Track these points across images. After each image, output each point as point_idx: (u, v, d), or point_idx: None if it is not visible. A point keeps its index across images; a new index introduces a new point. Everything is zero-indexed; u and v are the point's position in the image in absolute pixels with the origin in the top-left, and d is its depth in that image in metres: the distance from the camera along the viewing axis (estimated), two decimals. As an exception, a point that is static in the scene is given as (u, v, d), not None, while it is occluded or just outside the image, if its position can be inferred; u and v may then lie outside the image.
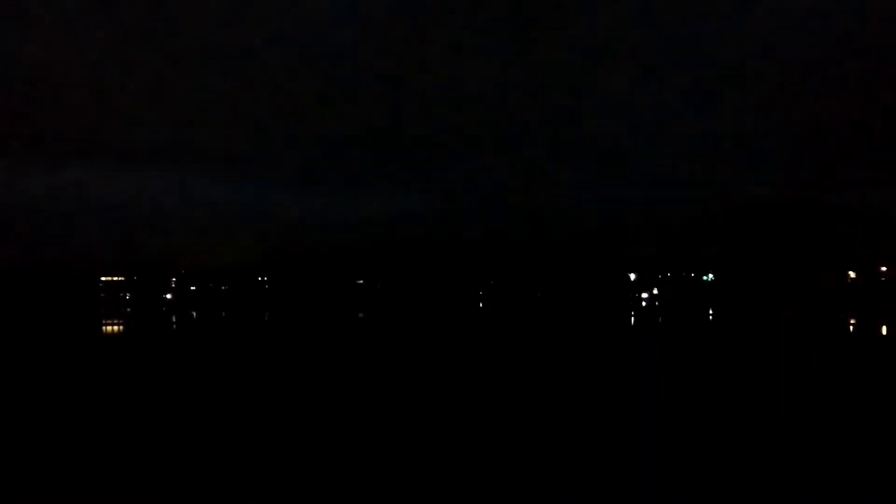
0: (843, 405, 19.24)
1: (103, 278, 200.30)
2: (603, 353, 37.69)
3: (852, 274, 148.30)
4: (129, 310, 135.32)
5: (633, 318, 79.60)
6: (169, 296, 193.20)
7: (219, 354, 40.15)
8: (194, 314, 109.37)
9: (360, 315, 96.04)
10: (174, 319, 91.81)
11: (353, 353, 40.23)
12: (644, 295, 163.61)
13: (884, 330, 50.15)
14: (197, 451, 14.42)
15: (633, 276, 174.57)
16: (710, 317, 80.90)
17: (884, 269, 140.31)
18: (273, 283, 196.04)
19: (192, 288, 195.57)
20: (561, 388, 23.50)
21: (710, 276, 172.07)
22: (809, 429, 15.67)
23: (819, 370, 27.48)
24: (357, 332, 62.27)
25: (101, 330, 68.55)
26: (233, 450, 14.33)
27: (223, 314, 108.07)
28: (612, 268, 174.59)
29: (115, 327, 73.57)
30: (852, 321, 61.81)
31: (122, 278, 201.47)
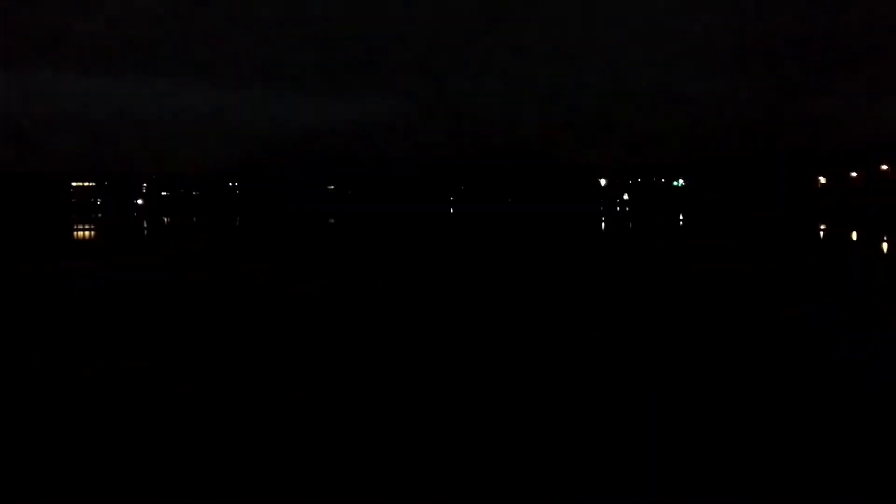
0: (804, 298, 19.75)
1: (74, 184, 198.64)
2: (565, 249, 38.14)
3: (822, 179, 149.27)
4: (100, 215, 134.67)
5: (602, 223, 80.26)
6: (140, 201, 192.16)
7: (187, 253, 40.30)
8: (165, 219, 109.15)
9: (331, 220, 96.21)
10: (145, 224, 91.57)
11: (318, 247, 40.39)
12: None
13: (853, 235, 50.95)
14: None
15: (603, 182, 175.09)
16: (681, 221, 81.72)
17: (853, 174, 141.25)
18: (243, 188, 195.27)
19: (163, 193, 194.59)
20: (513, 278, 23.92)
21: (681, 181, 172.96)
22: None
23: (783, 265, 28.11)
24: (324, 232, 62.46)
25: (72, 234, 68.37)
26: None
27: (194, 219, 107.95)
28: (583, 173, 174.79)
29: (86, 233, 73.38)
30: (822, 226, 62.74)
31: (94, 184, 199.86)
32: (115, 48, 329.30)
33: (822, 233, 54.97)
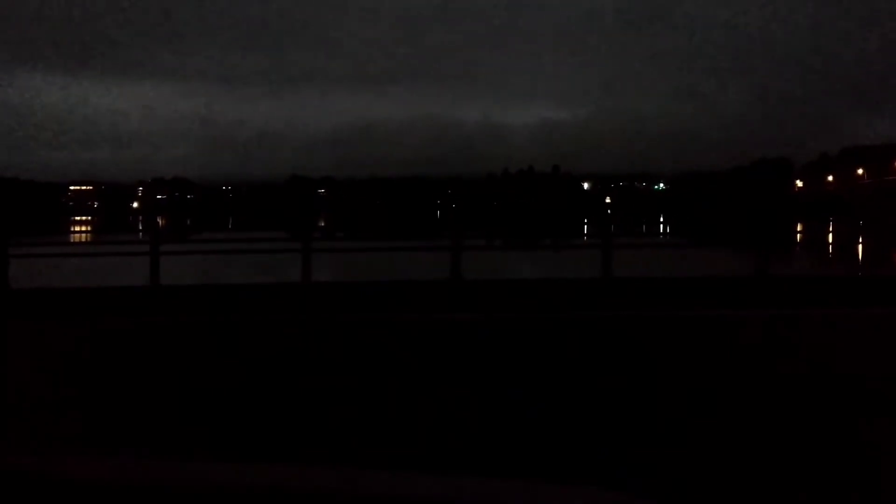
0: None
1: (72, 187, 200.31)
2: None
3: (799, 183, 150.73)
4: (95, 218, 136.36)
5: (585, 227, 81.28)
6: (136, 204, 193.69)
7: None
8: (160, 222, 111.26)
9: (321, 224, 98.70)
10: (140, 227, 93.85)
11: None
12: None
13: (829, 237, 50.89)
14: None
15: (586, 186, 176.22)
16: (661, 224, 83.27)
17: (829, 179, 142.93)
18: (237, 191, 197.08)
19: (158, 197, 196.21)
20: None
21: (661, 185, 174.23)
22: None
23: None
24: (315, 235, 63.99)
25: (69, 238, 70.20)
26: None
27: (188, 222, 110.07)
28: (566, 177, 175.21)
29: (84, 236, 75.23)
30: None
31: (90, 187, 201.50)
32: (116, 55, 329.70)
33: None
